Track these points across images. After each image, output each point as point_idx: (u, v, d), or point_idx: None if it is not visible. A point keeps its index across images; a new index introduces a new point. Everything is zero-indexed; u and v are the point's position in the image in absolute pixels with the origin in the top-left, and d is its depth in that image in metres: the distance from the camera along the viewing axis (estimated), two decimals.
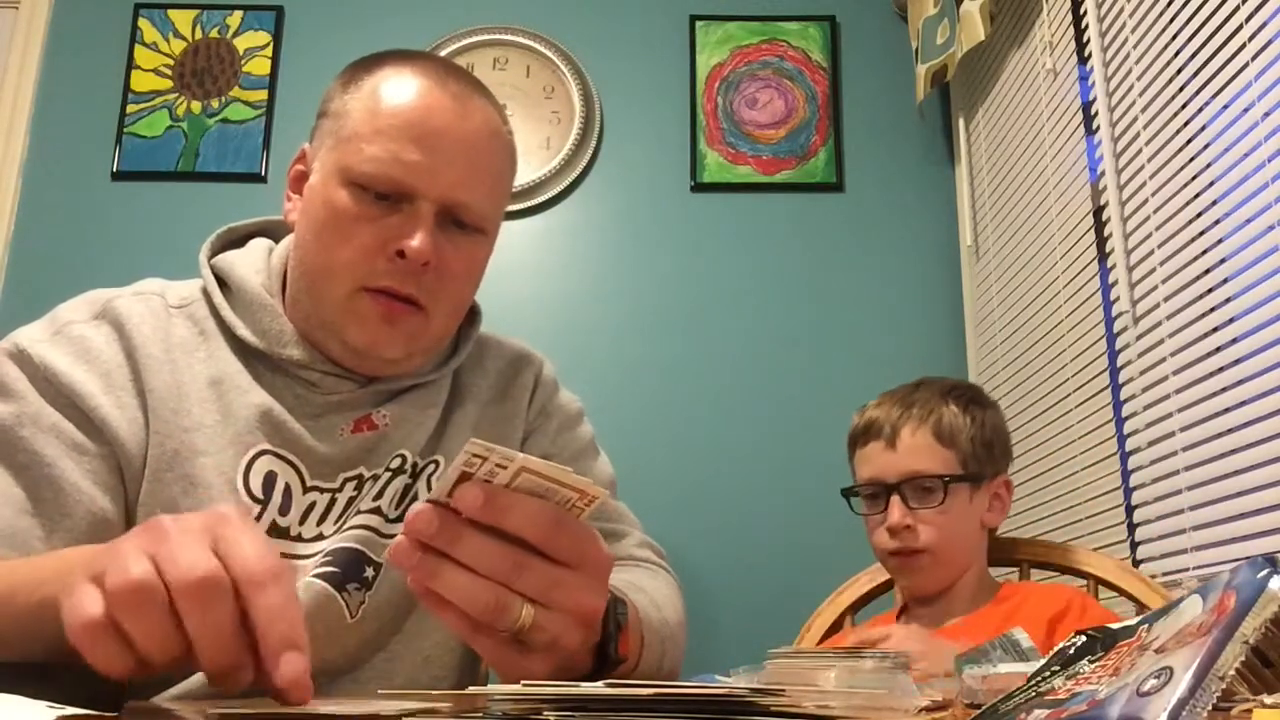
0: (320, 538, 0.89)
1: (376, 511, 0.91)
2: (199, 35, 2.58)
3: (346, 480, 0.91)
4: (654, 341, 2.39)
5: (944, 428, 1.29)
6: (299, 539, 0.88)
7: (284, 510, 0.88)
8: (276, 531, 0.87)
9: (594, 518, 1.00)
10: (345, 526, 0.90)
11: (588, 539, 0.57)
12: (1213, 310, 1.51)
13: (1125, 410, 1.75)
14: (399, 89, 0.90)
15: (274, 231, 1.04)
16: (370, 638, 0.90)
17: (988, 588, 1.32)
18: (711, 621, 2.18)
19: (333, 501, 0.90)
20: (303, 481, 0.89)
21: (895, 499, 1.28)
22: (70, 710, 0.42)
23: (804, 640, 1.44)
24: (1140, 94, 1.72)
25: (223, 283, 0.96)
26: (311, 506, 0.89)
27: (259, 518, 0.86)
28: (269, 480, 0.87)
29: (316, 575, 0.86)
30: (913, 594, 1.34)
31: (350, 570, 0.87)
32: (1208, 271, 1.54)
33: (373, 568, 0.89)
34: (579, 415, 1.13)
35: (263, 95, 2.53)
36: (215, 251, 1.00)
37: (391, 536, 0.90)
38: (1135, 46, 1.74)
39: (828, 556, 1.85)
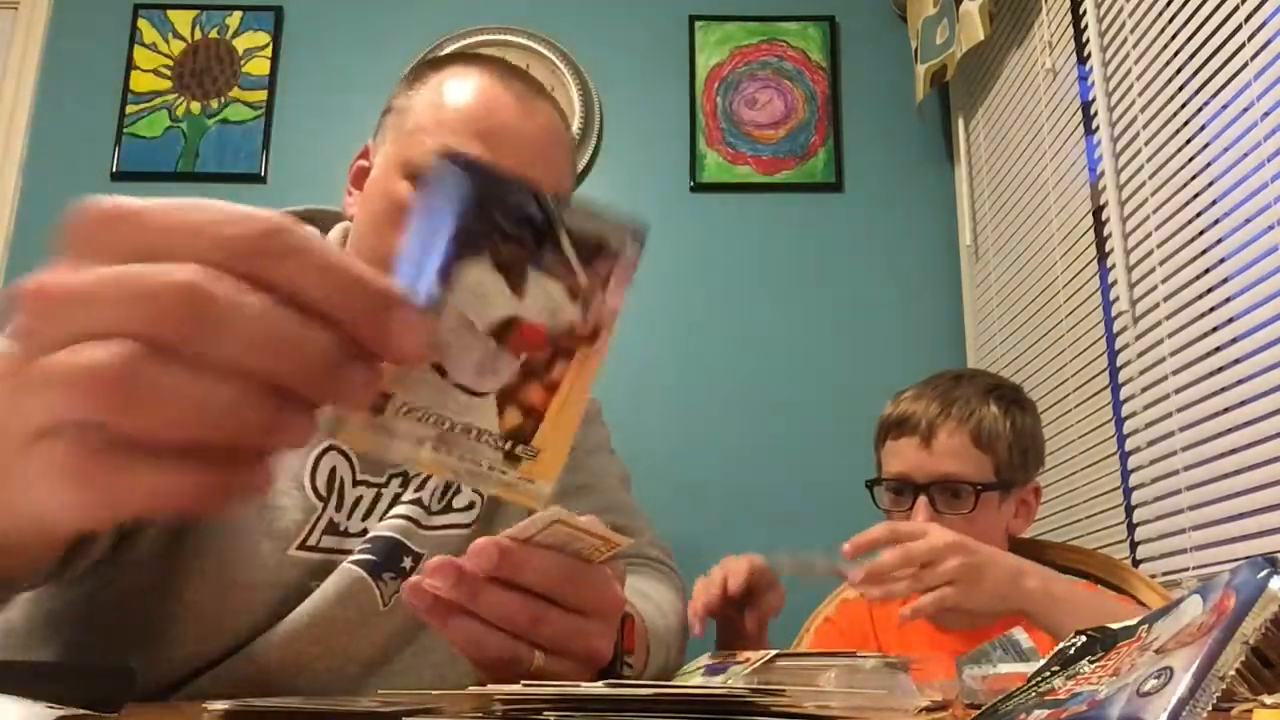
0: (364, 533, 0.88)
1: (418, 503, 0.90)
2: (198, 36, 2.58)
3: (393, 476, 0.91)
4: (654, 341, 2.39)
5: (983, 432, 1.22)
6: (346, 534, 0.87)
7: (339, 507, 0.87)
8: (330, 528, 0.86)
9: (609, 510, 1.01)
10: (386, 516, 0.89)
11: (602, 585, 0.58)
12: (1212, 310, 1.51)
13: (1125, 410, 1.75)
14: (463, 86, 0.90)
15: (321, 221, 1.03)
16: (400, 629, 0.89)
17: None
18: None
19: (378, 496, 0.90)
20: (353, 475, 0.89)
21: (923, 501, 1.21)
22: (71, 711, 0.42)
23: (804, 640, 1.44)
24: (1140, 94, 1.72)
25: None
26: (358, 501, 0.89)
27: (319, 516, 0.85)
28: (331, 477, 0.87)
29: (354, 561, 0.85)
30: None
31: (388, 559, 0.87)
32: (1207, 271, 1.54)
33: (411, 558, 0.89)
34: (597, 413, 1.15)
35: (262, 96, 2.53)
36: None
37: (432, 528, 0.90)
38: (1135, 46, 1.74)
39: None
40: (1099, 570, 1.36)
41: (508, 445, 0.38)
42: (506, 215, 0.36)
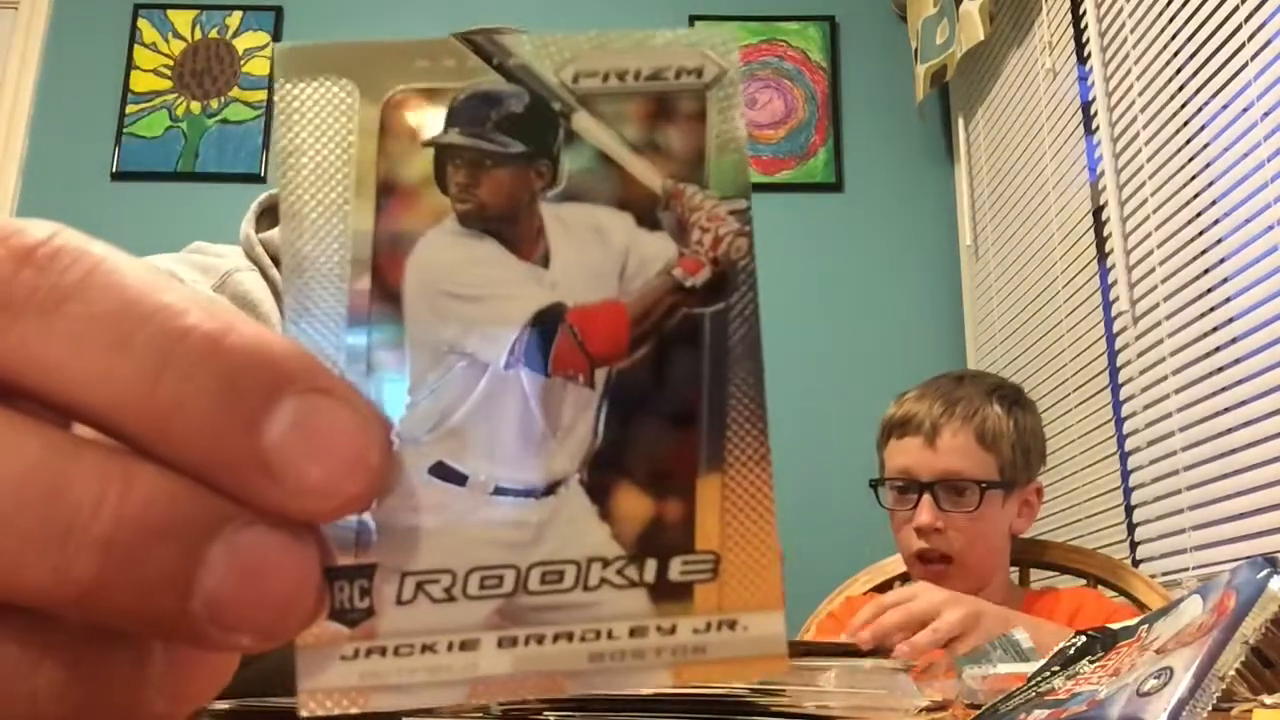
0: None
1: None
2: (198, 36, 2.58)
3: None
4: None
5: (987, 431, 1.23)
6: None
7: None
8: None
9: None
10: None
11: None
12: (1212, 310, 1.51)
13: (1125, 410, 1.75)
14: None
15: None
16: None
17: (1014, 597, 1.30)
18: None
19: None
20: None
21: (927, 499, 1.21)
22: None
23: (806, 636, 1.44)
24: (1139, 94, 1.72)
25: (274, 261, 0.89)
26: None
27: None
28: None
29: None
30: None
31: None
32: (1207, 271, 1.54)
33: None
34: None
35: (262, 96, 2.53)
36: (258, 223, 0.94)
37: None
38: (1135, 46, 1.74)
39: (827, 557, 1.84)
40: (1099, 570, 1.36)
41: (649, 571, 0.18)
42: (462, 119, 0.18)
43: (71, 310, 0.14)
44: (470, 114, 0.18)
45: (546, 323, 0.18)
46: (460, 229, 0.18)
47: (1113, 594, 1.36)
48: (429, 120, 0.18)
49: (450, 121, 0.18)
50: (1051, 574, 1.52)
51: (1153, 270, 1.66)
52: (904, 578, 1.41)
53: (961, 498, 1.22)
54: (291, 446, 0.15)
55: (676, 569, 0.18)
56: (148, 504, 0.14)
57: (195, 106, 2.52)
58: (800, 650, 0.86)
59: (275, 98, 0.18)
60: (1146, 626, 0.45)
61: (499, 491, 0.18)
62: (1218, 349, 1.50)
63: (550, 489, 0.18)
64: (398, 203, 0.18)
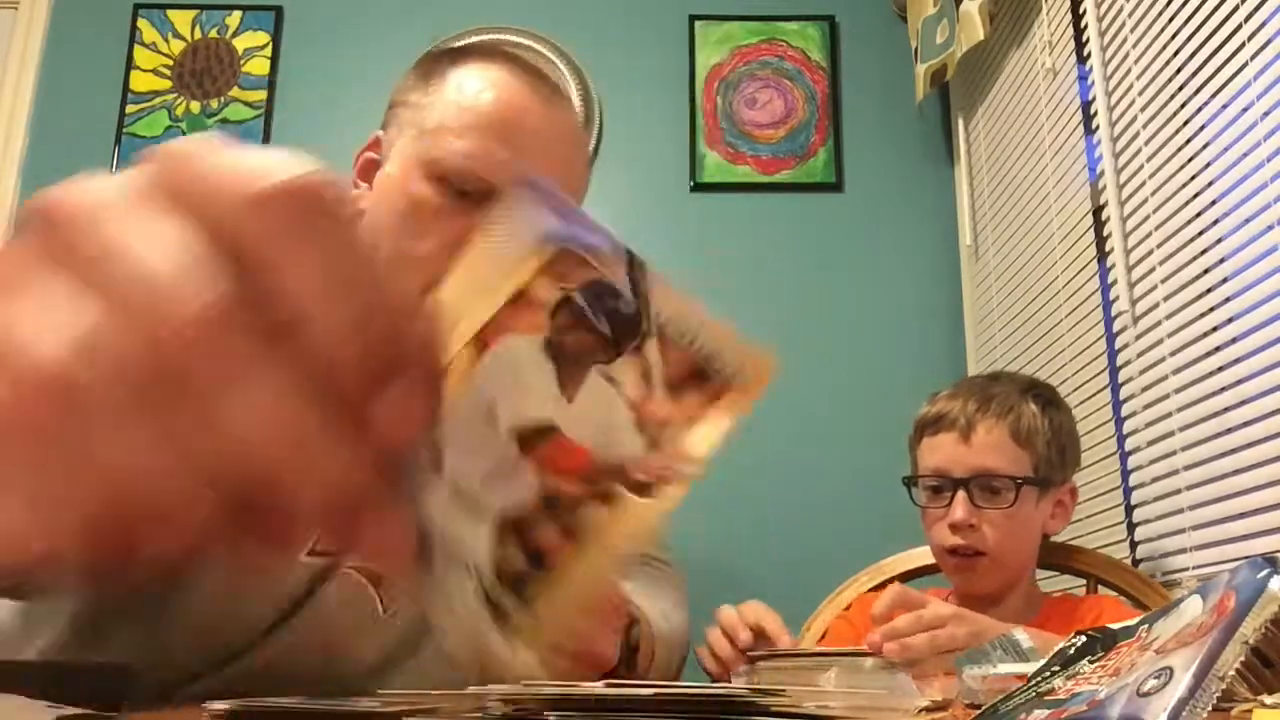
0: None
1: None
2: (198, 35, 2.58)
3: None
4: None
5: (1022, 428, 1.23)
6: None
7: None
8: None
9: None
10: None
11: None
12: (1212, 310, 1.51)
13: (1125, 410, 1.75)
14: (487, 84, 0.88)
15: None
16: (400, 638, 0.88)
17: (1034, 603, 1.29)
18: (711, 622, 2.17)
19: None
20: None
21: (961, 495, 1.21)
22: (70, 710, 0.41)
23: (803, 641, 1.44)
24: (1139, 94, 1.72)
25: None
26: None
27: None
28: None
29: (354, 566, 0.85)
30: (964, 596, 1.29)
31: None
32: (1207, 271, 1.54)
33: None
34: None
35: (262, 95, 2.53)
36: None
37: None
38: (1135, 46, 1.74)
39: (828, 556, 1.84)
40: (1099, 570, 1.36)
41: (495, 594, 0.26)
42: (582, 280, 0.26)
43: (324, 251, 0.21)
44: (598, 292, 0.26)
45: (546, 431, 0.27)
46: (541, 348, 0.27)
47: (1113, 594, 1.36)
48: (574, 277, 0.26)
49: (584, 288, 0.26)
50: (1051, 574, 1.52)
51: (1153, 270, 1.66)
52: (904, 577, 1.41)
53: (996, 495, 1.22)
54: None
55: (509, 601, 0.27)
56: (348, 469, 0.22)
57: (195, 106, 2.52)
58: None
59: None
60: (1146, 626, 0.45)
61: (455, 492, 0.27)
62: (1218, 349, 1.50)
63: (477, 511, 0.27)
64: (521, 306, 0.26)
